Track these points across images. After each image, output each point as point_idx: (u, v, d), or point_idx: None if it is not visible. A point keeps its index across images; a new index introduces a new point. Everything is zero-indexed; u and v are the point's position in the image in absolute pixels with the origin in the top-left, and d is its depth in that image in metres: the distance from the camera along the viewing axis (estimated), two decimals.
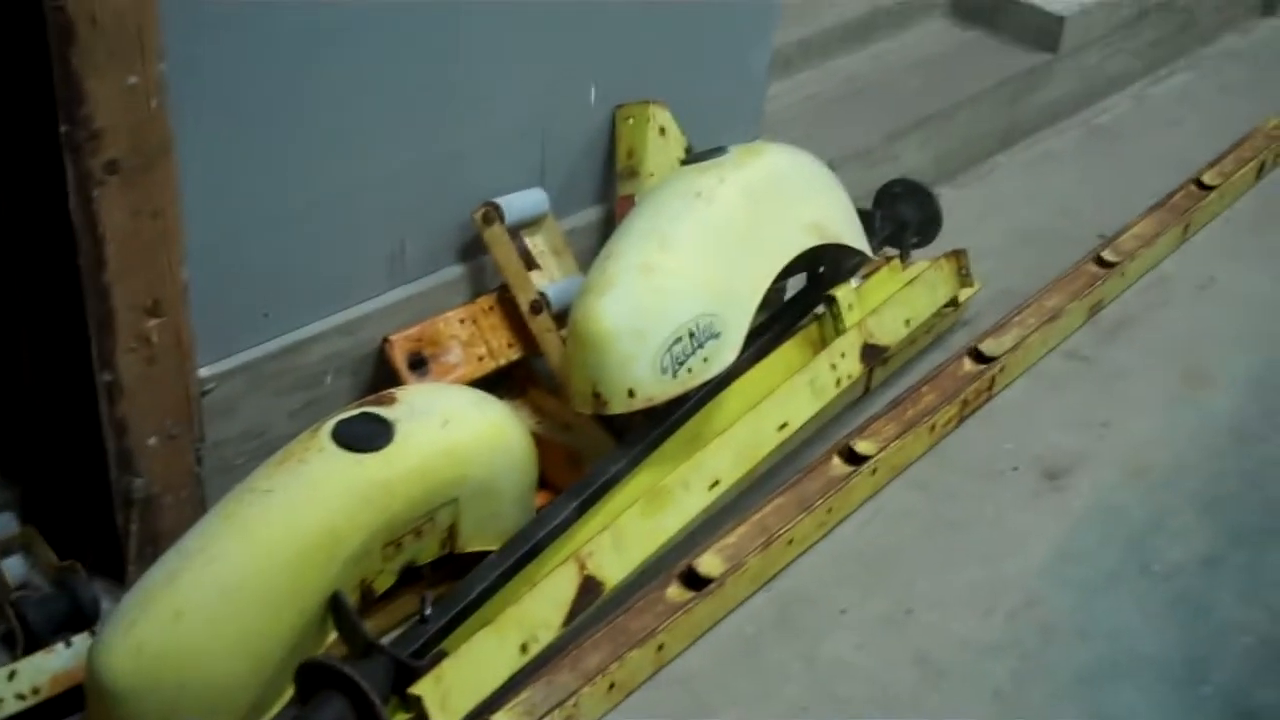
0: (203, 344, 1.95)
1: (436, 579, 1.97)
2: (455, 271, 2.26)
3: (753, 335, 2.29)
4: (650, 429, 2.11)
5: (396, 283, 2.19)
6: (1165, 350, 2.72)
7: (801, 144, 2.78)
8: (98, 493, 1.95)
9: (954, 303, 2.65)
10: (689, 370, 2.02)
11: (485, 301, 2.25)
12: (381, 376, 2.16)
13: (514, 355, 2.25)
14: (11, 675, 1.74)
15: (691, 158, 2.27)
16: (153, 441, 1.94)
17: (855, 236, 2.38)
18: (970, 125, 3.30)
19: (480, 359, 2.21)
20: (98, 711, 1.68)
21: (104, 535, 1.98)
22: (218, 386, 2.00)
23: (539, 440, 2.16)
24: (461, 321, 2.20)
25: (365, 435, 1.79)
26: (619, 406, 1.99)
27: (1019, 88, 3.43)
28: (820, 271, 2.47)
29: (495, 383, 2.27)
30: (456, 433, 1.87)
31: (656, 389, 1.99)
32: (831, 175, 2.40)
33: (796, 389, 2.23)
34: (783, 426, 2.20)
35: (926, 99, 3.22)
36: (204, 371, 1.98)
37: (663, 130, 2.40)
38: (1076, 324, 2.76)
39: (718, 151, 2.25)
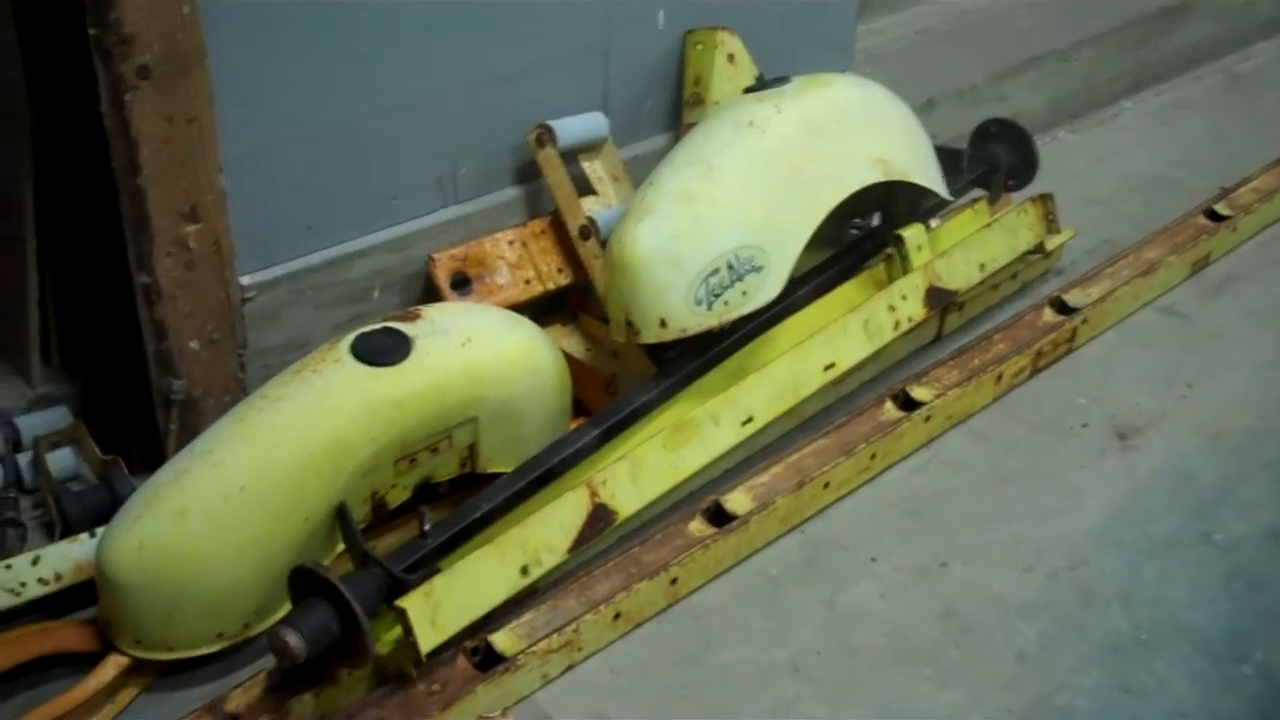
0: (244, 253, 1.98)
1: (459, 499, 1.95)
2: (509, 194, 2.25)
3: (814, 272, 2.26)
4: (691, 360, 2.06)
5: (448, 202, 2.20)
6: (1269, 311, 2.58)
7: (902, 79, 2.72)
8: (140, 392, 1.99)
9: (1041, 249, 2.53)
10: (725, 303, 1.97)
11: (537, 225, 2.23)
12: (429, 295, 2.18)
13: (564, 281, 2.24)
14: (35, 560, 1.80)
15: (753, 87, 2.20)
16: (194, 345, 1.97)
17: (928, 175, 2.28)
18: (1093, 67, 3.16)
19: (528, 282, 2.20)
20: (105, 602, 1.72)
21: (146, 433, 2.03)
22: (259, 295, 2.02)
23: (582, 367, 2.17)
24: (510, 244, 2.19)
25: (382, 349, 1.79)
26: (651, 336, 1.95)
27: (1152, 28, 3.28)
28: (894, 211, 2.37)
29: (547, 307, 2.28)
30: (477, 352, 1.86)
31: (690, 320, 1.95)
32: (907, 111, 2.31)
33: (849, 329, 2.17)
34: (829, 367, 2.13)
35: (1045, 36, 3.10)
36: (245, 280, 2.01)
37: (731, 58, 2.34)
38: (1177, 279, 2.63)
39: (780, 81, 2.18)
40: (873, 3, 2.95)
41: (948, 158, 2.46)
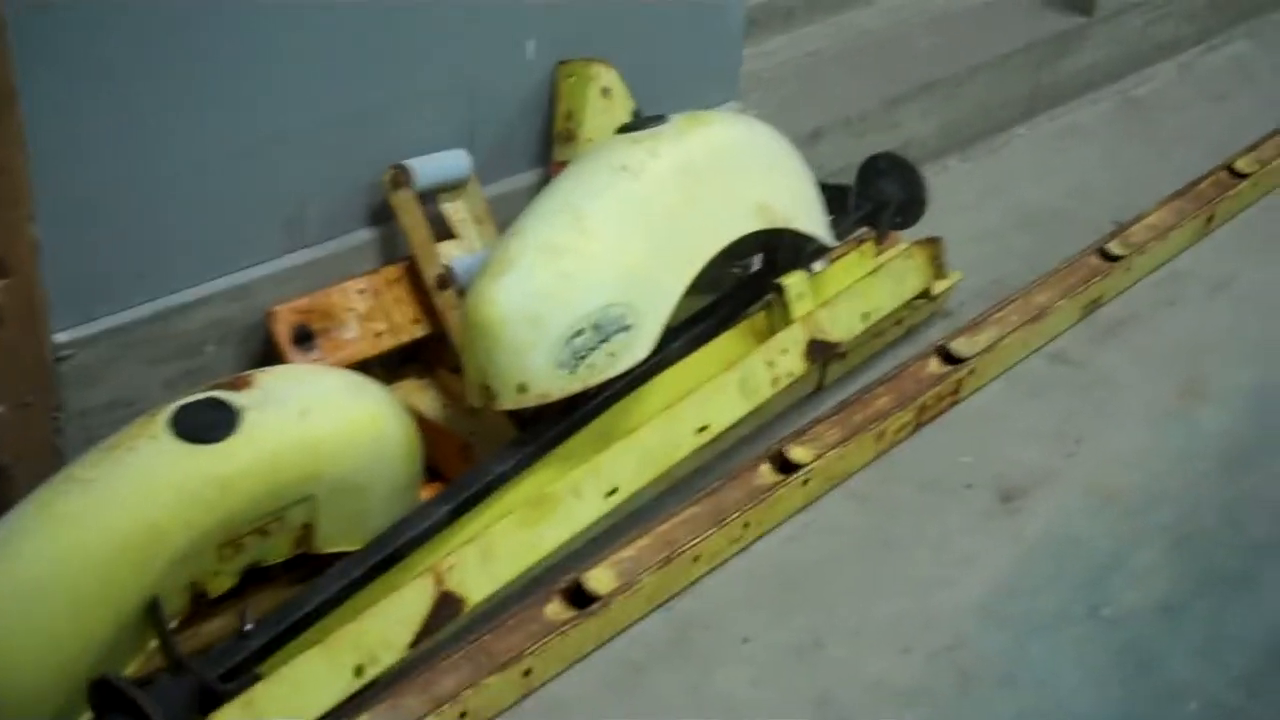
0: (62, 307, 1.81)
1: (298, 578, 1.79)
2: (362, 237, 2.10)
3: (690, 323, 2.13)
4: (553, 424, 1.92)
5: (295, 246, 2.04)
6: (1164, 358, 2.49)
7: (790, 106, 2.63)
8: None
9: (927, 294, 2.42)
10: (590, 366, 1.84)
11: (392, 272, 2.09)
12: (272, 348, 2.00)
13: (419, 332, 2.09)
14: None
15: (628, 125, 2.06)
16: (2, 410, 1.79)
17: (811, 220, 2.16)
18: (987, 92, 3.07)
19: (379, 335, 2.05)
20: None
21: None
22: (79, 352, 1.85)
23: (437, 429, 2.01)
24: (361, 293, 2.04)
25: (205, 424, 1.63)
26: (509, 401, 1.81)
27: (1048, 51, 3.19)
28: (776, 255, 2.24)
29: (401, 361, 2.13)
30: (316, 424, 1.71)
31: (552, 384, 1.81)
32: (790, 150, 2.19)
33: (724, 389, 2.04)
34: (702, 429, 2.01)
35: (939, 61, 3.00)
36: (62, 336, 1.84)
37: (606, 91, 2.20)
38: (1067, 323, 2.54)
39: (657, 120, 2.05)
40: (763, 22, 2.82)
41: (833, 195, 2.36)
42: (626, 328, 1.87)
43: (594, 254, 1.85)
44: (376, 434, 1.79)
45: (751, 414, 2.13)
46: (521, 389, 1.82)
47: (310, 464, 1.70)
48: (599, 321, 1.84)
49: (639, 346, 1.90)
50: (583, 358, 1.84)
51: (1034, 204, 2.94)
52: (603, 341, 1.85)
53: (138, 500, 1.58)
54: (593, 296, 1.84)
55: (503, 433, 1.97)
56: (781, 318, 2.18)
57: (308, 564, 1.79)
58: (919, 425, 2.28)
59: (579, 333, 1.83)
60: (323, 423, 1.72)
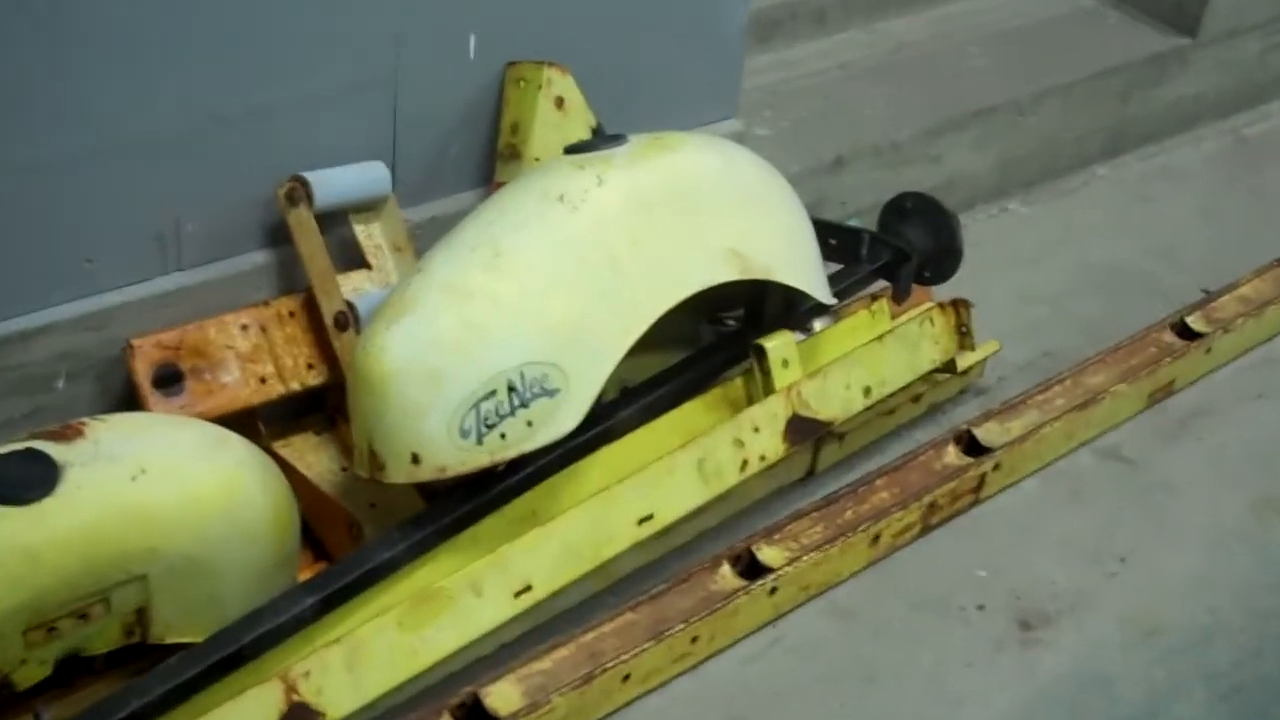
0: None
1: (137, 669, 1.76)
2: (250, 262, 2.08)
3: (650, 385, 2.10)
4: (462, 502, 1.88)
5: (168, 268, 2.03)
6: (1240, 464, 2.44)
7: (808, 129, 2.62)
8: None
9: (951, 368, 2.38)
10: (502, 436, 1.80)
11: (285, 305, 2.07)
12: (133, 389, 1.98)
13: (314, 380, 2.07)
14: None
15: (578, 145, 2.03)
16: None
17: (801, 272, 2.12)
18: (1059, 123, 3.04)
19: (263, 381, 2.03)
20: None
21: None
22: None
23: (324, 501, 2.01)
24: (244, 328, 2.02)
25: (16, 480, 1.62)
26: (399, 474, 1.78)
27: (1138, 78, 3.15)
28: (762, 309, 2.21)
29: (296, 409, 2.12)
30: (152, 487, 1.69)
31: (451, 457, 1.77)
32: (781, 185, 2.15)
33: (675, 470, 2.00)
34: (646, 520, 1.97)
35: (998, 82, 2.97)
36: None
37: (561, 102, 2.18)
38: (1126, 412, 2.49)
39: (615, 140, 2.01)
40: (786, 25, 2.81)
41: (845, 239, 2.34)
42: (550, 392, 1.83)
43: (512, 300, 1.82)
44: (232, 503, 1.76)
45: (716, 503, 2.09)
46: (415, 459, 1.78)
47: (143, 536, 1.67)
48: (514, 381, 1.80)
49: (565, 416, 1.85)
50: (492, 426, 1.80)
51: (1106, 262, 2.90)
52: (519, 407, 1.81)
53: None
54: (508, 351, 1.80)
55: (412, 506, 1.94)
56: (761, 387, 2.13)
57: (147, 656, 1.75)
58: (926, 528, 2.23)
59: (489, 394, 1.79)
60: (162, 486, 1.69)
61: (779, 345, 2.14)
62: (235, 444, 1.82)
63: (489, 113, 2.21)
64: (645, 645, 1.93)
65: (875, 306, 2.34)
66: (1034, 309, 2.72)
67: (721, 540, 2.14)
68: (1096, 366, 2.49)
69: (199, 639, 1.74)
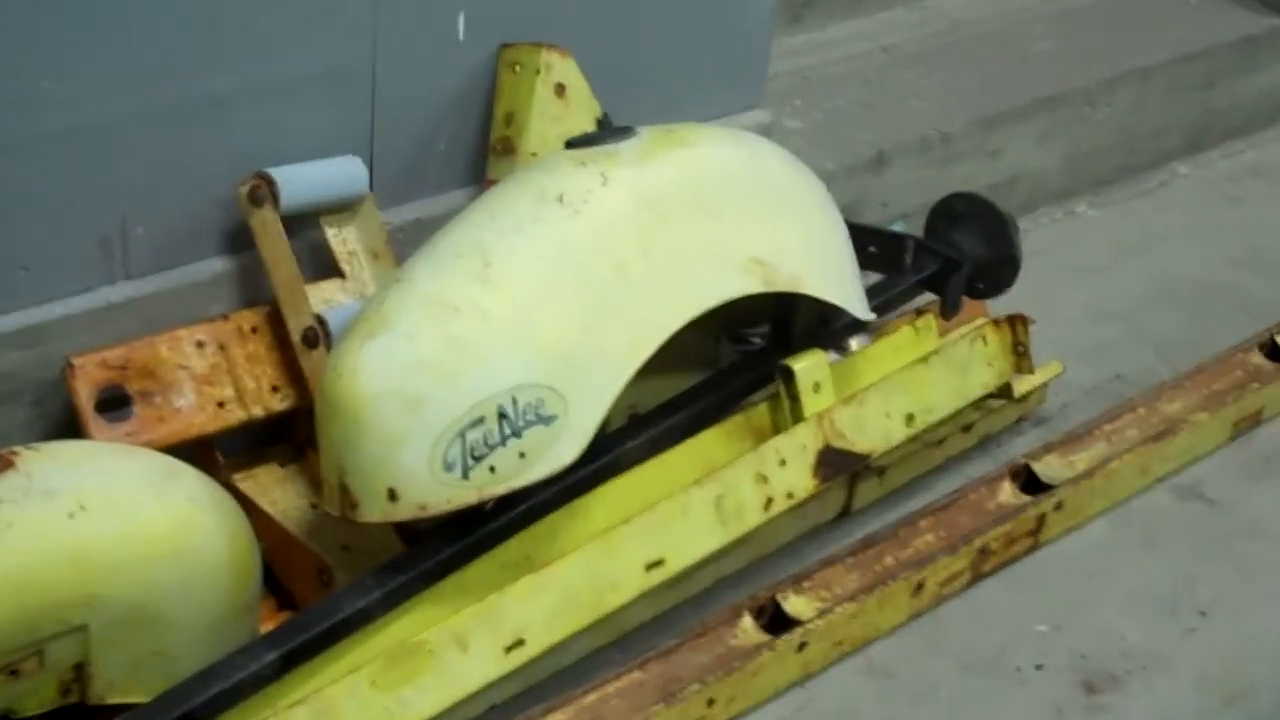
0: None
1: None
2: (208, 270, 2.11)
3: (661, 413, 2.12)
4: (446, 544, 1.89)
5: (115, 277, 2.05)
6: None
7: (846, 120, 2.65)
8: None
9: (1007, 393, 2.40)
10: (491, 470, 1.81)
11: (248, 319, 2.09)
12: (73, 414, 2.00)
13: (280, 405, 2.09)
14: None
15: (581, 138, 2.05)
16: None
17: (833, 283, 2.13)
18: (1134, 115, 3.07)
19: (222, 405, 2.05)
20: None
21: None
22: None
23: (291, 543, 2.03)
24: (200, 345, 2.04)
25: None
26: (374, 512, 1.79)
27: (1225, 63, 3.18)
28: (790, 325, 2.23)
29: (260, 437, 2.15)
30: (92, 527, 1.70)
31: (433, 493, 1.79)
32: (814, 185, 2.17)
33: (690, 509, 2.01)
34: (655, 566, 1.98)
35: (1065, 68, 3.00)
36: None
37: (561, 89, 2.21)
38: (1208, 445, 2.51)
39: (623, 133, 2.03)
40: (820, 3, 2.83)
41: (886, 246, 2.36)
42: (546, 420, 1.84)
43: (504, 315, 1.83)
44: (184, 544, 1.77)
45: (737, 546, 2.11)
46: (392, 496, 1.79)
47: (82, 581, 1.68)
48: (505, 408, 1.81)
49: (564, 447, 1.86)
50: (480, 458, 1.81)
51: (1187, 272, 2.92)
52: (511, 437, 1.82)
53: None
54: (498, 374, 1.81)
55: (389, 548, 1.97)
56: (789, 414, 2.14)
57: (87, 719, 1.77)
58: (978, 576, 2.25)
59: (477, 421, 1.80)
60: (104, 525, 1.70)
61: (809, 367, 2.15)
62: (189, 477, 1.83)
63: (480, 102, 2.23)
64: (655, 708, 1.93)
65: (920, 323, 2.36)
66: (1103, 326, 2.74)
67: (743, 589, 2.16)
68: (1174, 392, 2.51)
69: (145, 699, 1.75)
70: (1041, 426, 2.51)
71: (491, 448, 1.81)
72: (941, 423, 2.30)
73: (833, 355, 2.22)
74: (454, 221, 1.94)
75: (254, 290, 2.11)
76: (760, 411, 2.18)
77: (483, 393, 1.80)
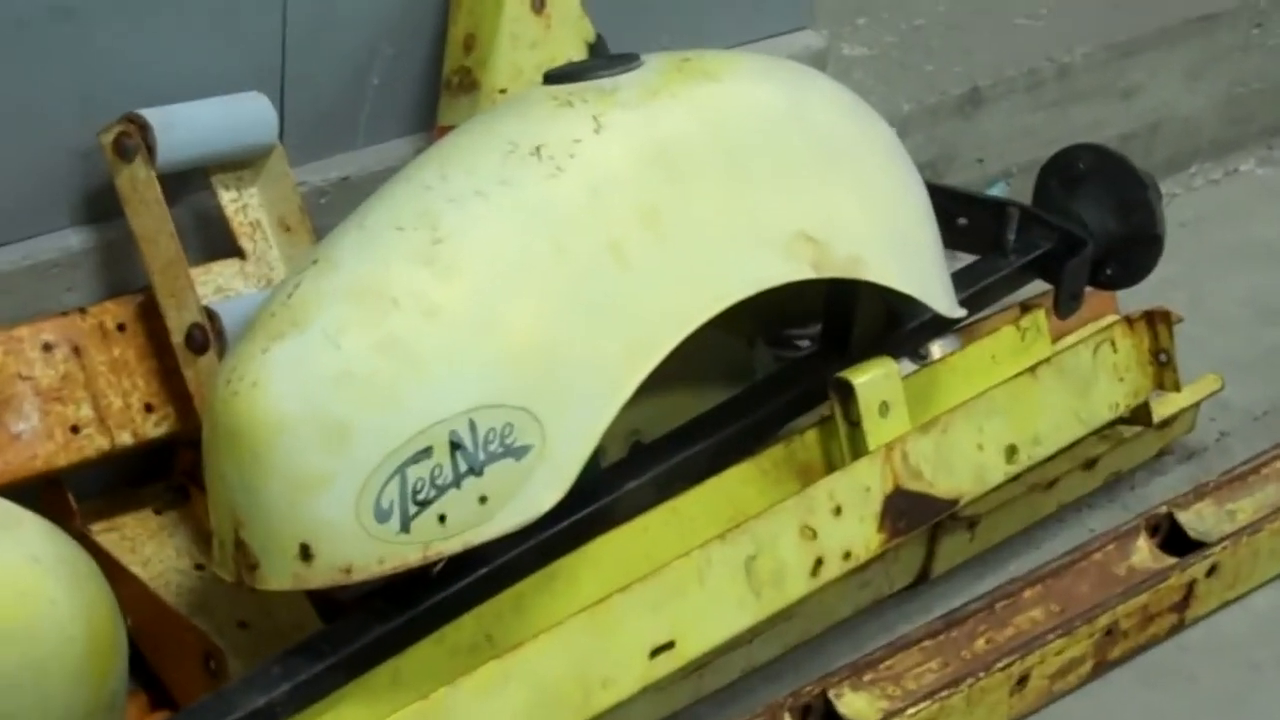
0: None
1: None
2: (56, 246, 2.15)
3: (675, 441, 2.14)
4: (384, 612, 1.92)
5: None
6: None
7: (920, 47, 2.67)
8: None
9: (1144, 417, 2.41)
10: (441, 520, 1.83)
11: (111, 313, 2.12)
12: None
13: (155, 429, 2.13)
14: None
15: (565, 69, 2.08)
16: None
17: (908, 267, 2.16)
18: None
19: (76, 430, 2.07)
20: None
21: None
22: None
23: (169, 617, 2.06)
24: (48, 349, 2.07)
25: None
26: (281, 577, 1.81)
27: None
28: (847, 324, 2.25)
29: (125, 479, 2.19)
30: None
31: (361, 550, 1.81)
32: (883, 132, 2.20)
33: (712, 572, 2.03)
34: (662, 650, 2.00)
35: None
36: None
37: (540, 3, 2.24)
38: None
39: (621, 63, 2.06)
40: None
41: (980, 217, 2.40)
42: (516, 452, 1.86)
43: (459, 310, 1.84)
44: (23, 619, 1.78)
45: (775, 624, 2.14)
46: (305, 554, 1.80)
47: None
48: (461, 438, 1.82)
49: (540, 488, 1.88)
50: (426, 503, 1.82)
51: None
52: (467, 475, 1.84)
53: None
54: (451, 391, 1.83)
55: (302, 625, 2.00)
56: (846, 446, 2.17)
57: None
58: (1100, 666, 2.28)
59: (419, 455, 1.81)
60: None
61: (875, 380, 2.17)
62: (29, 529, 1.84)
63: (429, 20, 2.27)
64: None
65: (1027, 321, 2.38)
66: (1277, 328, 2.73)
67: (784, 682, 2.19)
68: None
69: None
70: (1190, 463, 2.56)
71: (441, 490, 1.83)
72: (1054, 457, 2.33)
73: (906, 365, 2.26)
74: (393, 182, 1.95)
75: (121, 274, 2.15)
76: (807, 441, 2.21)
77: (430, 416, 1.81)
